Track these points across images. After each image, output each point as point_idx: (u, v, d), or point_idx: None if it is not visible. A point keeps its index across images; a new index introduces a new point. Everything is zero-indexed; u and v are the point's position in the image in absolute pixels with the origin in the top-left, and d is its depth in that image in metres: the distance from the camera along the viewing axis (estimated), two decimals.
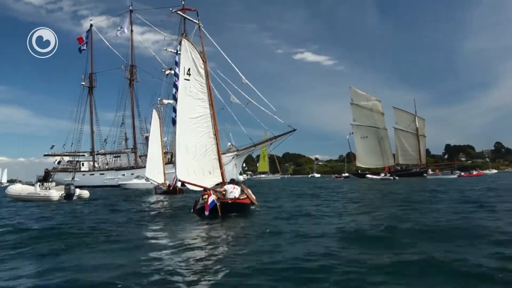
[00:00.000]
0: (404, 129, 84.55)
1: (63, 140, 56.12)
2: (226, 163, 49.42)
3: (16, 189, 25.26)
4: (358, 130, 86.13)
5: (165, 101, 51.09)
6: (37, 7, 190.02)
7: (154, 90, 54.32)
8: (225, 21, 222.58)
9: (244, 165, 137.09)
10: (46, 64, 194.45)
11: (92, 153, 56.06)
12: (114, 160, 54.43)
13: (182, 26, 54.39)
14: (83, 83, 55.89)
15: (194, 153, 14.92)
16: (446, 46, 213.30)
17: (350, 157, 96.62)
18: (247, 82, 51.71)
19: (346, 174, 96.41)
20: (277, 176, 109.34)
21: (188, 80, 15.20)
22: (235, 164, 51.16)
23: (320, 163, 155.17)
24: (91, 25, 55.84)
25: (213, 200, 12.57)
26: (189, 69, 15.21)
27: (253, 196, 15.69)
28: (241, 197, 14.15)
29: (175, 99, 15.66)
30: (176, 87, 16.02)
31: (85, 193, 23.29)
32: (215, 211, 12.62)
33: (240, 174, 57.05)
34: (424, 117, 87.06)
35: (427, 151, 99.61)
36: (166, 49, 53.00)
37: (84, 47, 53.63)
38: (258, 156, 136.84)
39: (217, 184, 15.31)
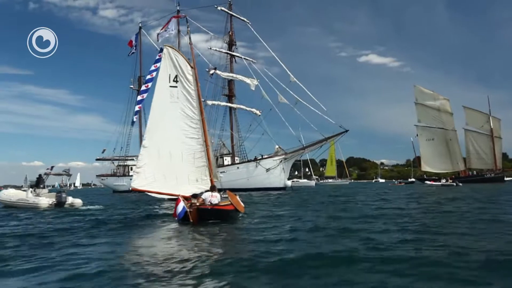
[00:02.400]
0: (476, 130, 78.43)
1: (119, 144, 58.54)
2: (273, 167, 49.78)
3: (8, 194, 23.97)
4: (423, 131, 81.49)
5: (209, 102, 51.73)
6: (111, 20, 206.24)
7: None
8: (289, 25, 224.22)
9: (306, 169, 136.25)
10: (118, 73, 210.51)
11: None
12: None
13: (228, 24, 55.30)
14: (132, 86, 57.86)
15: (180, 160, 15.10)
16: None
17: (417, 161, 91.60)
18: (296, 80, 51.42)
19: (412, 179, 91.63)
20: (346, 181, 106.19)
21: (176, 87, 15.48)
22: (283, 168, 50.46)
23: (386, 167, 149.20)
24: (140, 28, 57.46)
25: (183, 207, 12.65)
26: (176, 76, 15.50)
27: (241, 204, 15.52)
28: (222, 204, 14.09)
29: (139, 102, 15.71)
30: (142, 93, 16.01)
31: (78, 202, 22.41)
32: (187, 218, 12.74)
33: (288, 179, 56.26)
34: (500, 117, 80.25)
35: (504, 155, 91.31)
36: (210, 48, 53.76)
37: (134, 51, 55.55)
38: (321, 160, 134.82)
39: (208, 191, 15.19)
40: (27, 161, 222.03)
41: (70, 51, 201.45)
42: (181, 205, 12.65)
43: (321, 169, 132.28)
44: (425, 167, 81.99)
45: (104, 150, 57.82)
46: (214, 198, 13.78)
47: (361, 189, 49.59)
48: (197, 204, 13.33)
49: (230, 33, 54.96)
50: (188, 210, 12.71)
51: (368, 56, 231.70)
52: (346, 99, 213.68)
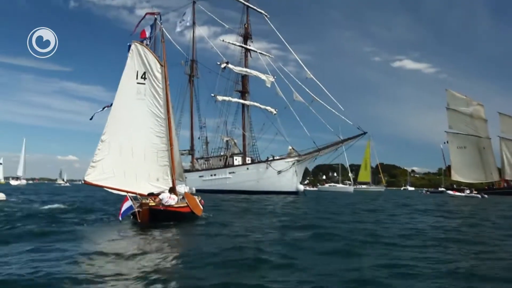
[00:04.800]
0: None
1: None
2: (285, 170, 49.25)
3: None
4: (454, 139, 79.14)
5: (220, 98, 51.65)
6: (146, 20, 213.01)
7: (212, 86, 53.89)
8: (325, 28, 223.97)
9: (335, 174, 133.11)
10: None
11: None
12: None
13: (245, 16, 54.78)
14: None
15: (142, 157, 15.55)
16: None
17: (447, 170, 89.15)
18: (312, 77, 50.44)
19: (442, 189, 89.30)
20: (381, 188, 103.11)
21: (144, 84, 16.00)
22: (296, 171, 49.54)
23: (417, 175, 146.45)
24: (155, 19, 57.49)
25: (130, 206, 13.09)
26: (144, 73, 16.02)
27: (200, 206, 15.90)
28: (179, 205, 14.49)
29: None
30: None
31: (1, 196, 23.16)
32: (135, 217, 13.20)
33: (301, 183, 55.33)
34: None
35: None
36: (222, 40, 53.32)
37: (148, 42, 55.81)
38: (350, 165, 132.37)
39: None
40: (62, 155, 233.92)
41: (106, 49, 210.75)
42: (128, 204, 13.05)
43: (349, 175, 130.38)
44: (455, 176, 79.56)
45: None
46: (172, 200, 14.19)
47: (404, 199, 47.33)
48: (151, 203, 13.73)
49: (246, 26, 54.47)
50: (136, 209, 13.17)
51: (402, 61, 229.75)
52: (378, 104, 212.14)
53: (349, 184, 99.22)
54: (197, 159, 57.79)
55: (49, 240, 9.92)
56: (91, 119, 16.68)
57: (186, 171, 55.47)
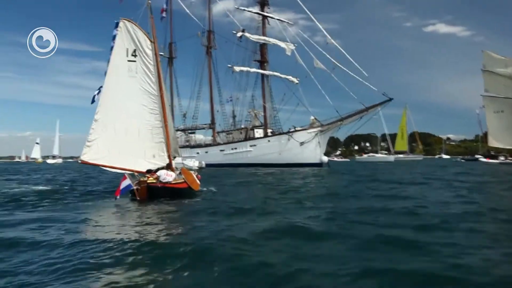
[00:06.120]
0: None
1: None
2: (308, 141, 48.56)
3: None
4: (491, 103, 75.86)
5: (237, 68, 50.88)
6: None
7: (230, 57, 54.22)
8: None
9: (367, 144, 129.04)
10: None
11: None
12: (190, 137, 57.57)
13: None
14: (162, 53, 54.86)
15: (137, 135, 15.89)
16: None
17: (484, 136, 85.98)
18: (333, 42, 48.41)
19: (477, 156, 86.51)
20: (419, 157, 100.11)
21: (134, 61, 16.16)
22: (319, 142, 48.58)
23: (453, 143, 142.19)
24: None
25: (129, 184, 13.49)
26: (134, 50, 16.15)
27: (197, 181, 16.17)
28: (177, 182, 14.81)
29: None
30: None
31: None
32: (133, 194, 13.63)
33: (329, 154, 54.01)
34: None
35: None
36: (237, 7, 52.12)
37: (164, 15, 54.02)
38: (383, 135, 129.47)
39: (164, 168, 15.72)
40: None
41: None
42: (126, 182, 13.45)
43: (381, 144, 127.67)
44: (493, 142, 76.42)
45: None
46: (169, 176, 14.56)
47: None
48: (150, 181, 14.05)
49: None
50: (134, 187, 13.59)
51: (435, 26, 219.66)
52: (411, 71, 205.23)
53: (388, 154, 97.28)
54: (218, 132, 57.93)
55: None
56: (92, 103, 16.56)
57: (207, 145, 56.50)
